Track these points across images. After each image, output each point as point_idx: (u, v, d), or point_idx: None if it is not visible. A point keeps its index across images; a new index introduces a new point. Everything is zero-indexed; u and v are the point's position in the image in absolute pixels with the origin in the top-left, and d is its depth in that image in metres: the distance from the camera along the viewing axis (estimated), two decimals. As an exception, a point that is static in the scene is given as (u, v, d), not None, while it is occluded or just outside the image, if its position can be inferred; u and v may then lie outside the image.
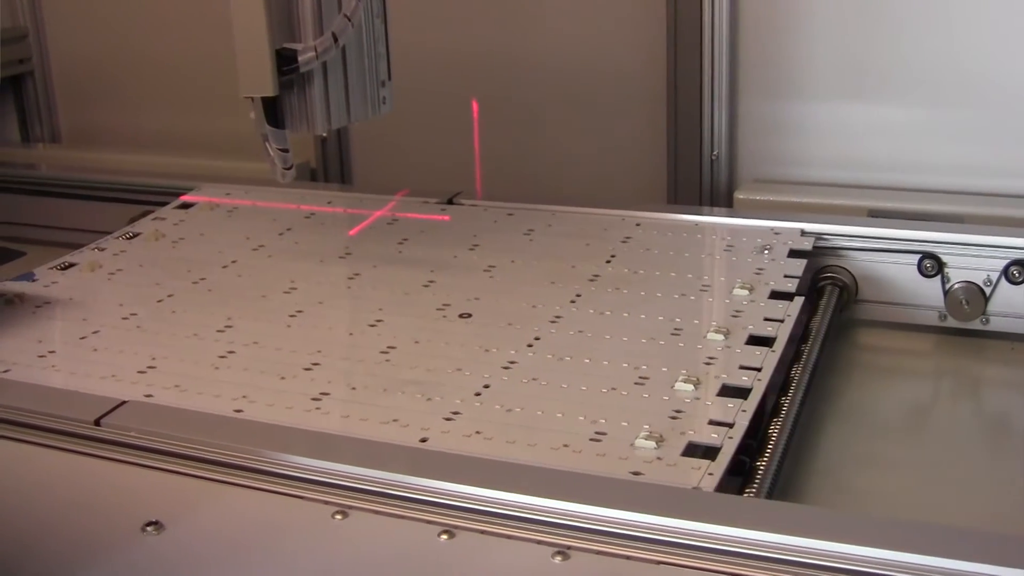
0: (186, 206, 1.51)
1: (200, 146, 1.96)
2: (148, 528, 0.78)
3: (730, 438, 0.89)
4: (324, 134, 1.38)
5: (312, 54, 1.14)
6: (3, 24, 2.06)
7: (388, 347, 1.07)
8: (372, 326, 1.12)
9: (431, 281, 1.22)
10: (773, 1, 1.55)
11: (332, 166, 1.88)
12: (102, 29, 2.05)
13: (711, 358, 1.02)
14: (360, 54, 1.21)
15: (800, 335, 1.12)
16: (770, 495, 0.87)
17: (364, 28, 1.20)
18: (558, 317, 1.12)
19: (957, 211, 1.42)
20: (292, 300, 1.19)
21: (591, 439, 0.89)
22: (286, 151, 1.19)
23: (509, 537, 0.76)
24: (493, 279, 1.23)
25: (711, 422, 0.91)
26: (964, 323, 1.23)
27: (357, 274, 1.26)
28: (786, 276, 1.18)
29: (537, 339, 1.08)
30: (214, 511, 0.82)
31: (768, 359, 1.02)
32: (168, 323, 1.16)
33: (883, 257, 1.24)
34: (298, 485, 0.83)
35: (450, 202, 1.45)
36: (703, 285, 1.18)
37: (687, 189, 1.63)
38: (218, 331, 1.12)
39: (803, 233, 1.27)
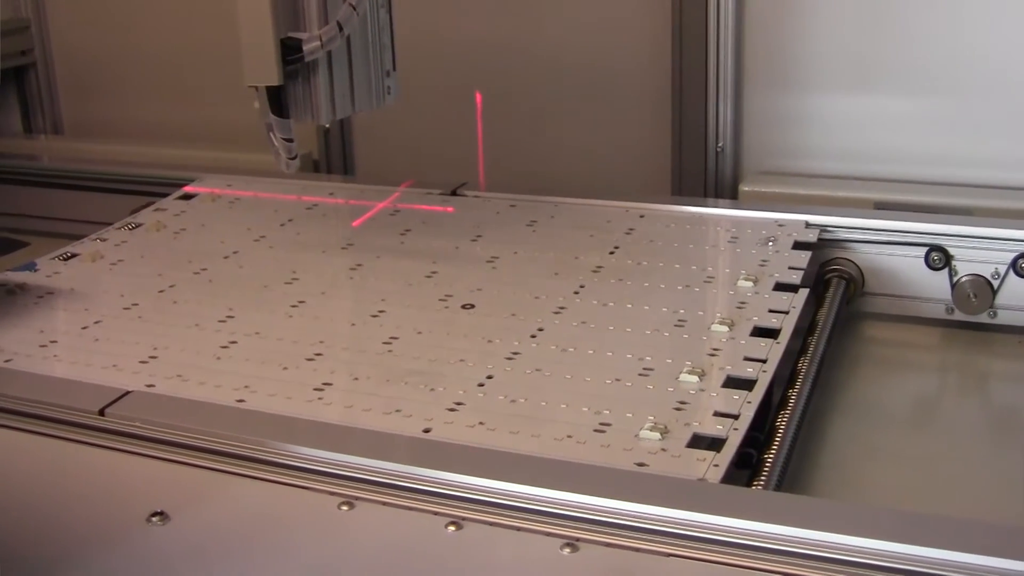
0: (188, 197, 1.50)
1: (203, 137, 1.95)
2: (153, 519, 0.78)
3: (735, 430, 0.88)
4: (328, 124, 1.37)
5: (317, 43, 1.14)
6: (5, 15, 2.05)
7: (391, 338, 1.07)
8: (374, 317, 1.12)
9: (433, 272, 1.22)
10: (778, -7, 1.55)
11: (335, 157, 1.88)
12: (104, 20, 2.05)
13: (715, 349, 1.02)
14: (365, 44, 1.20)
15: (807, 328, 1.12)
16: (778, 488, 0.86)
17: (369, 18, 1.20)
18: (561, 308, 1.11)
19: (965, 203, 1.41)
20: (294, 291, 1.19)
21: (595, 430, 0.89)
22: (290, 141, 1.19)
23: (517, 529, 0.76)
24: (496, 270, 1.22)
25: (716, 414, 0.90)
26: (971, 316, 1.22)
27: (359, 265, 1.25)
28: (791, 268, 1.18)
29: (540, 330, 1.07)
30: (219, 502, 0.81)
31: (773, 351, 1.01)
32: (170, 313, 1.15)
33: (890, 250, 1.23)
34: (304, 476, 0.82)
35: (454, 193, 1.44)
36: (707, 277, 1.17)
37: (692, 181, 1.63)
38: (219, 321, 1.12)
39: (808, 225, 1.27)
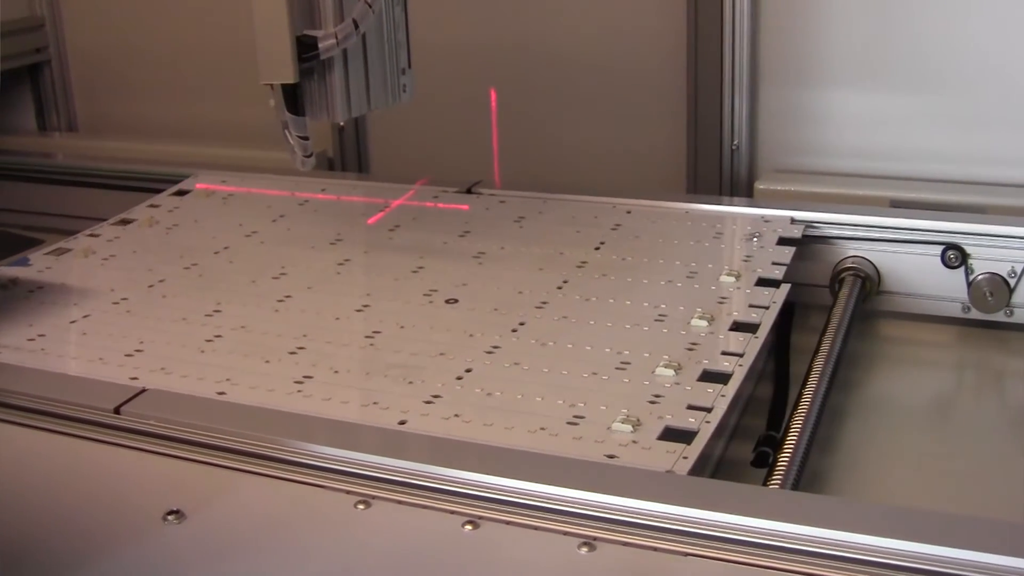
0: (183, 193, 1.51)
1: (217, 134, 1.95)
2: (169, 517, 0.78)
3: (707, 422, 0.89)
4: (343, 122, 1.37)
5: (333, 41, 1.14)
6: (20, 14, 2.06)
7: (373, 332, 1.08)
8: (359, 311, 1.13)
9: (420, 267, 1.23)
10: (794, -10, 1.54)
11: (350, 155, 1.88)
12: (119, 18, 2.06)
13: (694, 344, 1.02)
14: (380, 41, 1.20)
15: (822, 328, 1.12)
16: (794, 487, 0.87)
17: (384, 15, 1.20)
18: (544, 303, 1.12)
19: (981, 202, 1.40)
20: (281, 285, 1.20)
21: (568, 422, 0.89)
22: (306, 139, 1.19)
23: (535, 528, 0.76)
24: (482, 265, 1.23)
25: (689, 407, 0.91)
26: (988, 315, 1.21)
27: (347, 260, 1.26)
28: (774, 263, 1.18)
29: (522, 324, 1.08)
30: (235, 500, 0.81)
31: (751, 345, 1.02)
32: (158, 307, 1.16)
33: (906, 248, 1.23)
34: (321, 475, 0.82)
35: (469, 191, 1.44)
36: (690, 272, 1.18)
37: (707, 180, 1.62)
38: (206, 315, 1.13)
39: (793, 221, 1.27)
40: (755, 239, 1.24)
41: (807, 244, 1.26)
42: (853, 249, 1.25)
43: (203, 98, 2.00)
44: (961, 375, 1.23)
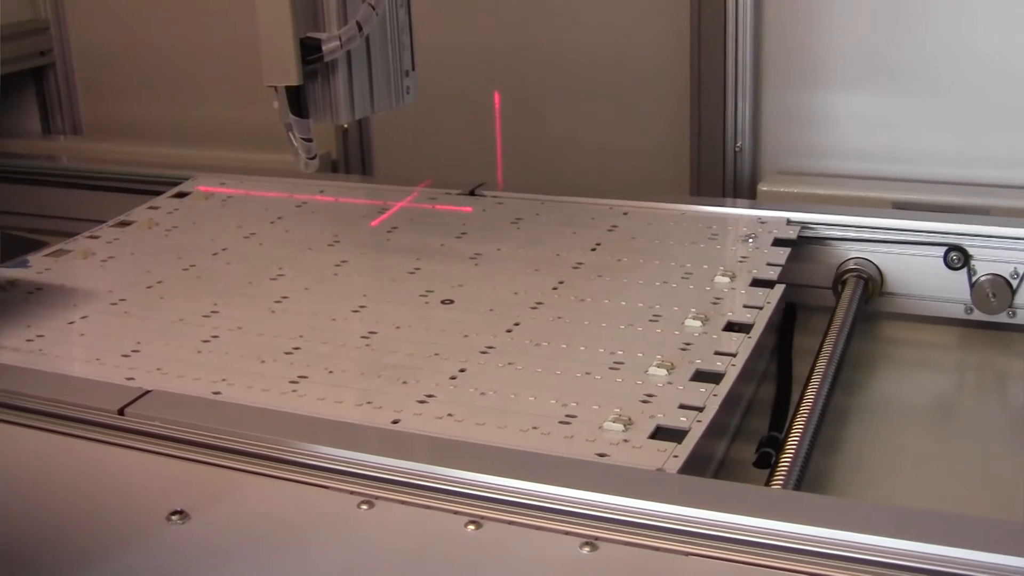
0: (182, 195, 1.52)
1: (222, 137, 1.95)
2: (173, 517, 0.78)
3: (699, 422, 0.89)
4: (347, 124, 1.36)
5: (336, 43, 1.14)
6: (24, 16, 2.07)
7: (369, 332, 1.09)
8: (355, 312, 1.14)
9: (417, 268, 1.23)
10: (797, -8, 1.55)
11: (353, 157, 1.88)
12: (123, 21, 2.06)
13: (687, 344, 1.03)
14: (384, 44, 1.21)
15: (825, 329, 1.12)
16: (796, 487, 0.87)
17: (388, 18, 1.20)
18: (539, 303, 1.13)
19: (984, 203, 1.40)
20: (278, 286, 1.21)
21: (560, 422, 0.90)
22: (310, 141, 1.19)
23: (537, 528, 0.76)
24: (478, 267, 1.23)
25: (681, 406, 0.92)
26: (991, 316, 1.21)
27: (344, 261, 1.27)
28: (768, 264, 1.19)
29: (517, 325, 1.08)
30: (239, 501, 0.82)
31: (744, 345, 1.02)
32: (155, 309, 1.17)
33: (909, 249, 1.23)
34: (324, 475, 0.82)
35: (472, 193, 1.44)
36: (685, 273, 1.18)
37: (711, 181, 1.63)
38: (204, 316, 1.14)
39: (789, 222, 1.28)
40: (751, 240, 1.25)
41: (810, 245, 1.26)
42: (856, 250, 1.26)
43: (208, 100, 2.00)
44: (963, 376, 1.23)
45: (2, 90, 1.85)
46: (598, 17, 1.69)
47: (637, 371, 0.98)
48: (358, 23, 1.15)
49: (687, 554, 0.72)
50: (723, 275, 1.16)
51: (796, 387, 1.06)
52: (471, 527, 0.76)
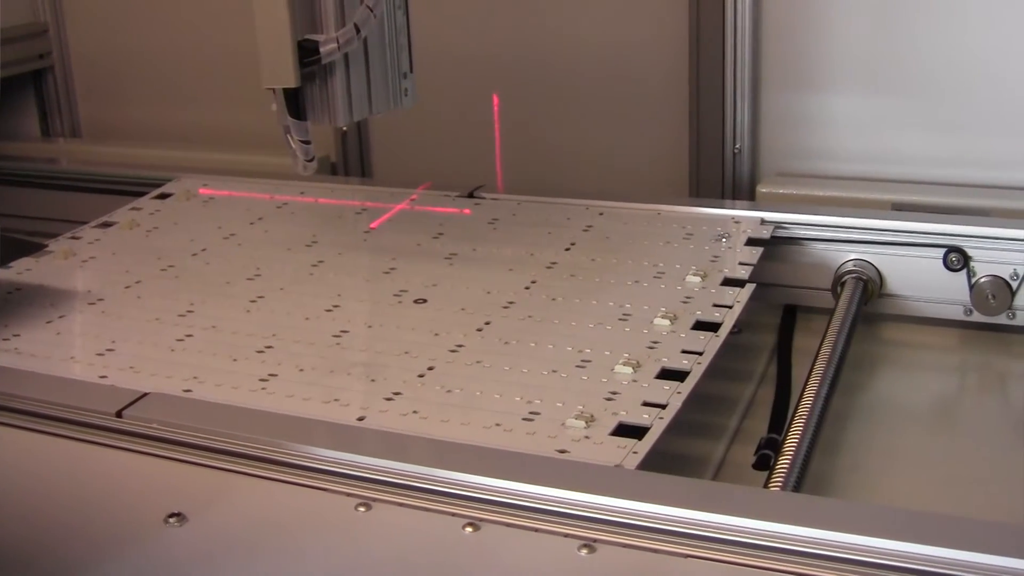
0: (165, 196, 1.53)
1: (222, 139, 1.96)
2: (171, 519, 0.78)
3: (661, 419, 0.90)
4: (345, 126, 1.36)
5: (334, 45, 1.14)
6: (23, 19, 2.08)
7: (341, 331, 1.10)
8: (328, 311, 1.15)
9: (392, 268, 1.24)
10: (796, -6, 1.55)
11: (352, 159, 1.88)
12: (123, 23, 2.07)
13: (655, 342, 1.03)
14: (382, 46, 1.21)
15: (824, 331, 1.13)
16: (796, 489, 0.87)
17: (386, 20, 1.20)
18: (510, 303, 1.14)
19: (983, 204, 1.40)
20: (255, 286, 1.22)
21: (524, 419, 0.91)
22: (308, 143, 1.19)
23: (535, 530, 0.76)
24: (452, 266, 1.24)
25: (645, 403, 0.92)
26: (990, 317, 1.21)
27: (321, 261, 1.28)
28: (740, 264, 1.19)
29: (487, 323, 1.09)
30: (237, 503, 0.82)
31: (711, 344, 1.03)
32: (132, 308, 1.18)
33: (908, 251, 1.24)
34: (321, 477, 0.83)
35: (471, 196, 1.45)
36: (657, 272, 1.19)
37: (709, 183, 1.63)
38: (179, 316, 1.15)
39: (763, 222, 1.28)
40: (724, 240, 1.25)
41: (810, 246, 1.27)
42: (855, 252, 1.26)
43: (207, 103, 2.01)
44: (963, 378, 1.23)
45: (1, 93, 1.86)
46: (598, 19, 1.70)
47: (603, 369, 0.98)
48: (356, 25, 1.15)
49: (686, 556, 0.73)
50: (695, 275, 1.17)
51: (795, 388, 1.07)
52: (469, 529, 0.77)
